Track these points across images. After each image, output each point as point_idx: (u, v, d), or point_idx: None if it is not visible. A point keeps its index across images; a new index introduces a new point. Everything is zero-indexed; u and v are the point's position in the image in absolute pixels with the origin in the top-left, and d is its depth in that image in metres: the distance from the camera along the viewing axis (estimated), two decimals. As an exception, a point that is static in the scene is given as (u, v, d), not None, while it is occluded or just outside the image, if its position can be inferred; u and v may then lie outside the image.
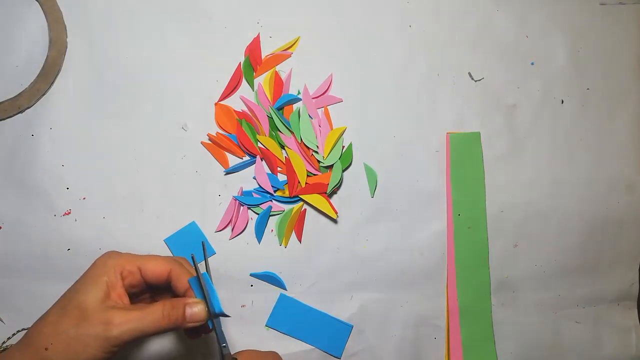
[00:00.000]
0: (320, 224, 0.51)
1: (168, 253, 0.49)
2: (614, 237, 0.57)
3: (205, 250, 0.40)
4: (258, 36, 0.51)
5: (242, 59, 0.51)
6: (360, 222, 0.52)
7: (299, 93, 0.51)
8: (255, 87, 0.51)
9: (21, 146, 0.48)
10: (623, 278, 0.57)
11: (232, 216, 0.49)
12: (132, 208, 0.48)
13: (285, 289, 0.50)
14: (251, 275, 0.50)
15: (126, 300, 0.37)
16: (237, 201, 0.49)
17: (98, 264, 0.37)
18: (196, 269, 0.38)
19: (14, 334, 0.46)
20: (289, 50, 0.52)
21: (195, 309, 0.37)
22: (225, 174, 0.50)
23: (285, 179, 0.50)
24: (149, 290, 0.40)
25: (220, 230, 0.50)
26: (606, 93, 0.57)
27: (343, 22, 0.53)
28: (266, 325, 0.50)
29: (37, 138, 0.48)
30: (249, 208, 0.50)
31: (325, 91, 0.52)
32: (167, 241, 0.49)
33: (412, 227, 0.52)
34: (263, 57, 0.51)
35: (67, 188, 0.48)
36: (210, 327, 0.38)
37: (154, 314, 0.35)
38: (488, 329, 0.53)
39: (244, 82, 0.51)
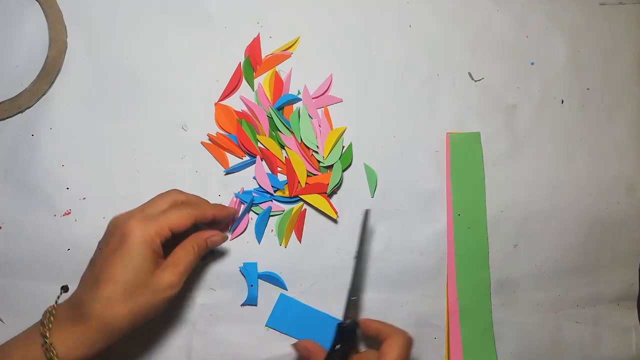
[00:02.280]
0: (320, 224, 0.51)
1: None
2: (614, 237, 0.57)
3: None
4: (258, 36, 0.51)
5: (242, 59, 0.51)
6: (360, 222, 0.52)
7: (299, 93, 0.51)
8: (255, 87, 0.51)
9: (21, 146, 0.48)
10: (623, 278, 0.57)
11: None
12: (132, 208, 0.48)
13: (285, 289, 0.50)
14: (251, 275, 0.50)
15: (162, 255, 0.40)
16: (238, 199, 0.49)
17: (138, 246, 0.38)
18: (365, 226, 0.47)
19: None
20: (289, 50, 0.52)
21: (215, 239, 0.44)
22: (225, 174, 0.50)
23: (285, 179, 0.50)
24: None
25: (220, 230, 0.50)
26: (606, 93, 0.57)
27: (343, 22, 0.53)
28: (266, 325, 0.50)
29: (37, 138, 0.48)
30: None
31: (325, 91, 0.52)
32: (167, 241, 0.49)
33: (412, 227, 0.52)
34: (263, 57, 0.51)
35: (67, 188, 0.48)
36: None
37: (190, 261, 0.41)
38: (488, 329, 0.53)
39: (244, 82, 0.51)
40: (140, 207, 0.41)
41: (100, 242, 0.41)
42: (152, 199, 0.43)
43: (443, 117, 0.54)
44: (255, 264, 0.49)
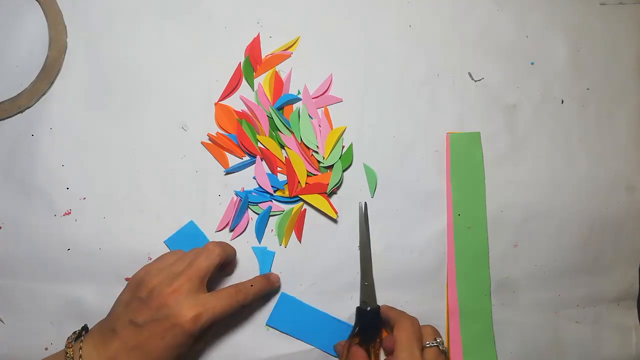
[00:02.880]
0: (320, 224, 0.51)
1: (168, 253, 0.49)
2: (614, 237, 0.57)
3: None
4: (258, 36, 0.51)
5: (242, 59, 0.51)
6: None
7: (299, 93, 0.51)
8: (255, 87, 0.51)
9: (21, 146, 0.48)
10: (623, 278, 0.57)
11: (233, 216, 0.49)
12: (132, 208, 0.48)
13: (285, 289, 0.50)
14: (251, 275, 0.50)
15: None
16: (238, 197, 0.49)
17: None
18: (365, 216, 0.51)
19: None
20: (289, 50, 0.52)
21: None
22: (225, 174, 0.50)
23: (285, 179, 0.50)
24: None
25: (220, 230, 0.50)
26: (606, 93, 0.57)
27: (343, 22, 0.53)
28: (266, 325, 0.50)
29: (37, 138, 0.48)
30: (248, 207, 0.50)
31: (325, 91, 0.52)
32: (167, 242, 0.49)
33: (412, 227, 0.52)
34: (263, 57, 0.51)
35: (67, 188, 0.48)
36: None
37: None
38: (488, 329, 0.53)
39: (244, 82, 0.51)
40: (186, 274, 0.41)
41: (140, 298, 0.40)
42: (195, 258, 0.43)
43: (443, 117, 0.54)
44: (273, 253, 0.50)
